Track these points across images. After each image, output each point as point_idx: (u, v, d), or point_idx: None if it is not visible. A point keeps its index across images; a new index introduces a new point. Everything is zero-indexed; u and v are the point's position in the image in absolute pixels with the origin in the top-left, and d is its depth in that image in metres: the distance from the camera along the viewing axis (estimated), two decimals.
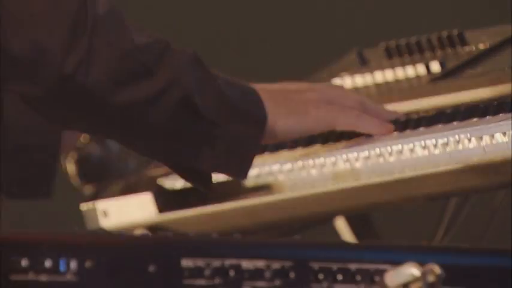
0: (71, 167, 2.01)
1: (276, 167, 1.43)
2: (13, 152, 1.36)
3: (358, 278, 0.73)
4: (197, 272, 0.77)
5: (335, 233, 1.88)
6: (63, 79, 1.11)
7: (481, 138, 1.27)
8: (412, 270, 0.69)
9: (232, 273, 0.75)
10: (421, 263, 0.72)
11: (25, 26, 1.09)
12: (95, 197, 1.66)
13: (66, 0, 1.09)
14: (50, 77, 1.10)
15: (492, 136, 1.26)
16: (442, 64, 1.70)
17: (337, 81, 1.67)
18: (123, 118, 1.18)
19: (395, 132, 1.41)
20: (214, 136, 1.21)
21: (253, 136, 1.24)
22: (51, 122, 1.21)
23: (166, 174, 1.61)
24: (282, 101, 1.27)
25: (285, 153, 1.47)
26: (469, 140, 1.28)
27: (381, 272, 0.72)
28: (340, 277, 0.72)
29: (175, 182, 1.57)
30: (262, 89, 1.28)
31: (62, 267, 0.78)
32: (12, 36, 1.07)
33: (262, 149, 1.48)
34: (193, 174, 1.28)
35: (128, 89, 1.15)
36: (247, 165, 1.26)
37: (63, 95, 1.12)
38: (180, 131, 1.22)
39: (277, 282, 0.75)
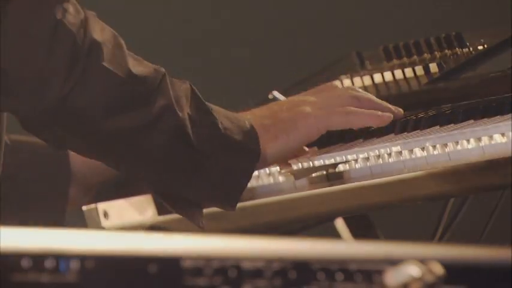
0: None
1: (275, 169, 1.43)
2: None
3: (358, 277, 0.73)
4: (197, 272, 0.77)
5: (335, 232, 1.88)
6: (58, 100, 1.12)
7: (479, 139, 1.28)
8: (412, 270, 0.69)
9: (232, 273, 0.75)
10: (421, 262, 0.72)
11: (25, 48, 1.10)
12: (96, 198, 1.66)
13: (65, 26, 1.10)
14: (45, 97, 1.12)
15: (491, 137, 1.26)
16: (440, 65, 1.71)
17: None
18: (115, 143, 1.19)
19: (393, 134, 1.41)
20: (205, 167, 1.22)
21: (246, 168, 1.25)
22: (46, 142, 1.22)
23: None
24: (270, 125, 1.28)
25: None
26: (468, 140, 1.29)
27: (381, 272, 0.72)
28: (339, 277, 0.72)
29: None
30: (252, 117, 1.29)
31: (62, 267, 0.78)
32: (11, 55, 1.08)
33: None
34: (182, 204, 1.29)
35: (121, 116, 1.16)
36: (237, 197, 1.28)
37: (56, 115, 1.13)
38: (172, 159, 1.23)
39: (277, 282, 0.76)
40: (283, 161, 1.31)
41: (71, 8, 1.11)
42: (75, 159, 1.49)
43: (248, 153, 1.22)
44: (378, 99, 1.36)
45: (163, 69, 1.20)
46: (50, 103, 1.12)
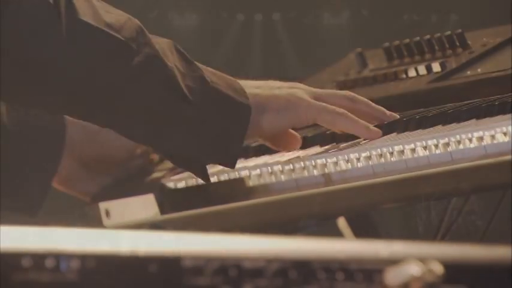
0: None
1: (277, 168, 1.43)
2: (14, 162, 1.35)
3: (358, 277, 0.73)
4: (197, 272, 0.77)
5: (336, 232, 1.88)
6: (47, 61, 1.10)
7: (482, 138, 1.28)
8: (412, 269, 0.69)
9: (232, 272, 0.76)
10: (422, 262, 0.72)
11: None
12: (98, 197, 1.66)
13: None
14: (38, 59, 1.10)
15: (493, 136, 1.26)
16: (442, 65, 1.71)
17: (337, 83, 1.68)
18: (106, 98, 1.16)
19: (396, 133, 1.41)
20: (200, 121, 1.20)
21: (240, 123, 1.23)
22: (33, 108, 1.20)
23: (168, 176, 1.61)
24: (264, 97, 1.26)
25: (286, 154, 1.47)
26: (470, 140, 1.29)
27: (381, 271, 0.72)
28: (340, 276, 0.72)
29: (178, 183, 1.57)
30: (245, 84, 1.28)
31: (63, 266, 0.78)
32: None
33: (264, 149, 1.48)
34: (184, 161, 1.26)
35: (108, 69, 1.13)
36: (235, 153, 1.25)
37: (42, 75, 1.10)
38: (164, 112, 1.19)
39: (278, 282, 0.76)
40: (267, 137, 1.28)
41: None
42: (72, 128, 1.45)
43: (241, 107, 1.19)
44: (374, 105, 1.36)
45: (136, 20, 1.16)
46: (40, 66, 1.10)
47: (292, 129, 1.33)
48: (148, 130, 1.20)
